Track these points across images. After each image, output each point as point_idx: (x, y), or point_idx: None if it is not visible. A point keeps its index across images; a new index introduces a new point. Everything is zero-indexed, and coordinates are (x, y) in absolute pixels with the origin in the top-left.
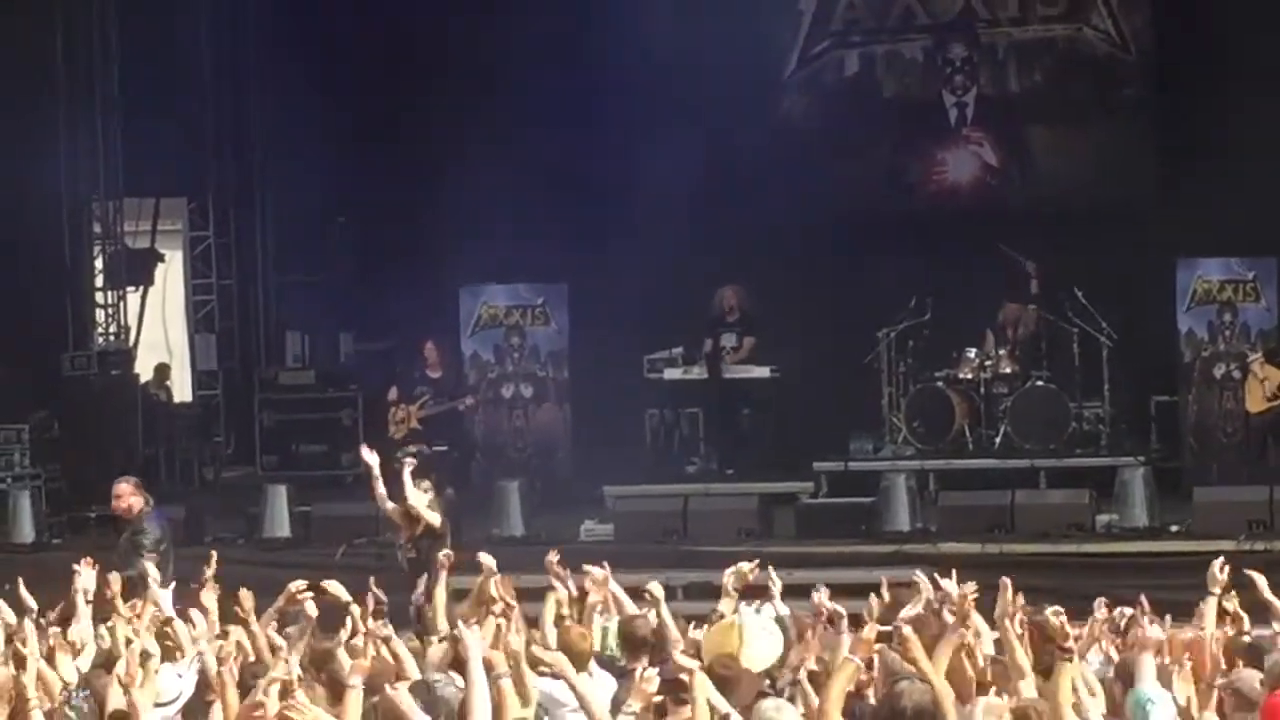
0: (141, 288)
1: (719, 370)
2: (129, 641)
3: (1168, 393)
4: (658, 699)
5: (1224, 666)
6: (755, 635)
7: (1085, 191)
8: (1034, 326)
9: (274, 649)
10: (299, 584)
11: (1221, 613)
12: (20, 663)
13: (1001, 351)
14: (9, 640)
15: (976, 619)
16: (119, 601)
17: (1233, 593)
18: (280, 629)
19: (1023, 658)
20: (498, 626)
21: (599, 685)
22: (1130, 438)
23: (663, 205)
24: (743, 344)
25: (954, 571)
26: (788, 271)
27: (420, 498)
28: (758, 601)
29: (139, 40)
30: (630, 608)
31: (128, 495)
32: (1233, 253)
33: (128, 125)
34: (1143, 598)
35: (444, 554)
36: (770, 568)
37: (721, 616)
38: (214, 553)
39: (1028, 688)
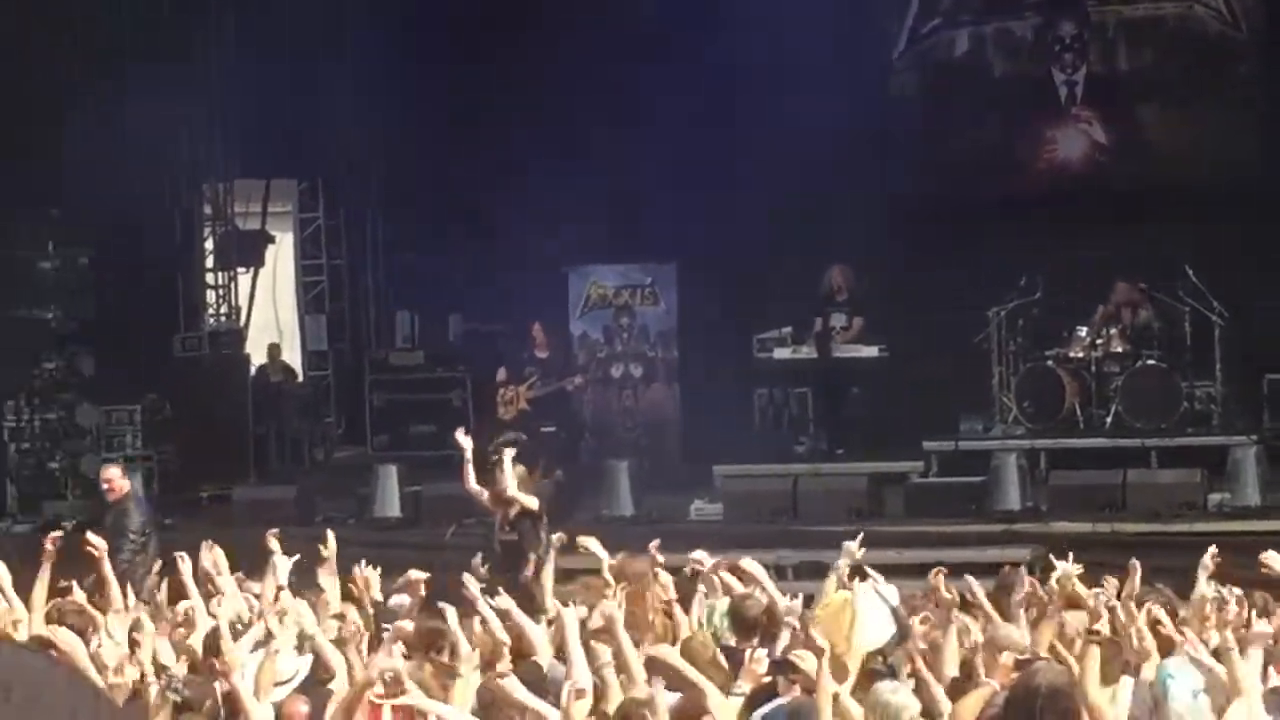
0: (252, 269)
1: (828, 350)
2: (241, 621)
3: None
4: (767, 679)
5: None
6: (868, 615)
7: (1195, 169)
8: (1145, 305)
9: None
10: (418, 574)
11: None
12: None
13: (1113, 330)
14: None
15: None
16: (225, 579)
17: None
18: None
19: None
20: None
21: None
22: (1242, 416)
23: (771, 185)
24: (852, 324)
25: (1069, 554)
26: (898, 250)
27: (513, 481)
28: (870, 580)
29: (249, 24)
30: (738, 588)
31: (116, 479)
32: None
33: (238, 108)
34: (1135, 562)
35: (556, 535)
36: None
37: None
38: (330, 533)
39: (1149, 669)
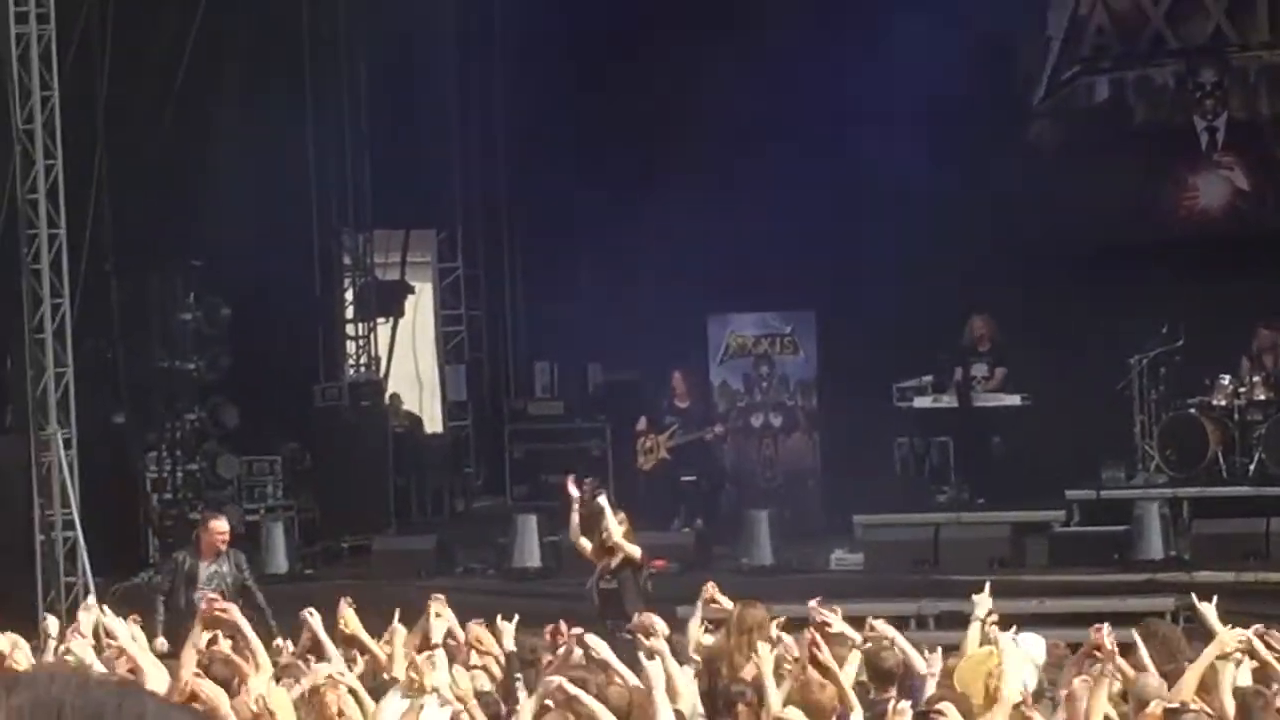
0: (391, 319)
1: (969, 398)
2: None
3: None
4: None
5: None
6: (1013, 668)
7: None
8: None
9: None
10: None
11: None
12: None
13: (1256, 378)
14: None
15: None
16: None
17: None
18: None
19: None
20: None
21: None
22: None
23: (911, 232)
24: (994, 374)
25: (1214, 598)
26: (1039, 299)
27: (617, 529)
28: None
29: (386, 74)
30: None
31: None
32: None
33: (376, 158)
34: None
35: (709, 585)
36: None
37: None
38: (345, 602)
39: None
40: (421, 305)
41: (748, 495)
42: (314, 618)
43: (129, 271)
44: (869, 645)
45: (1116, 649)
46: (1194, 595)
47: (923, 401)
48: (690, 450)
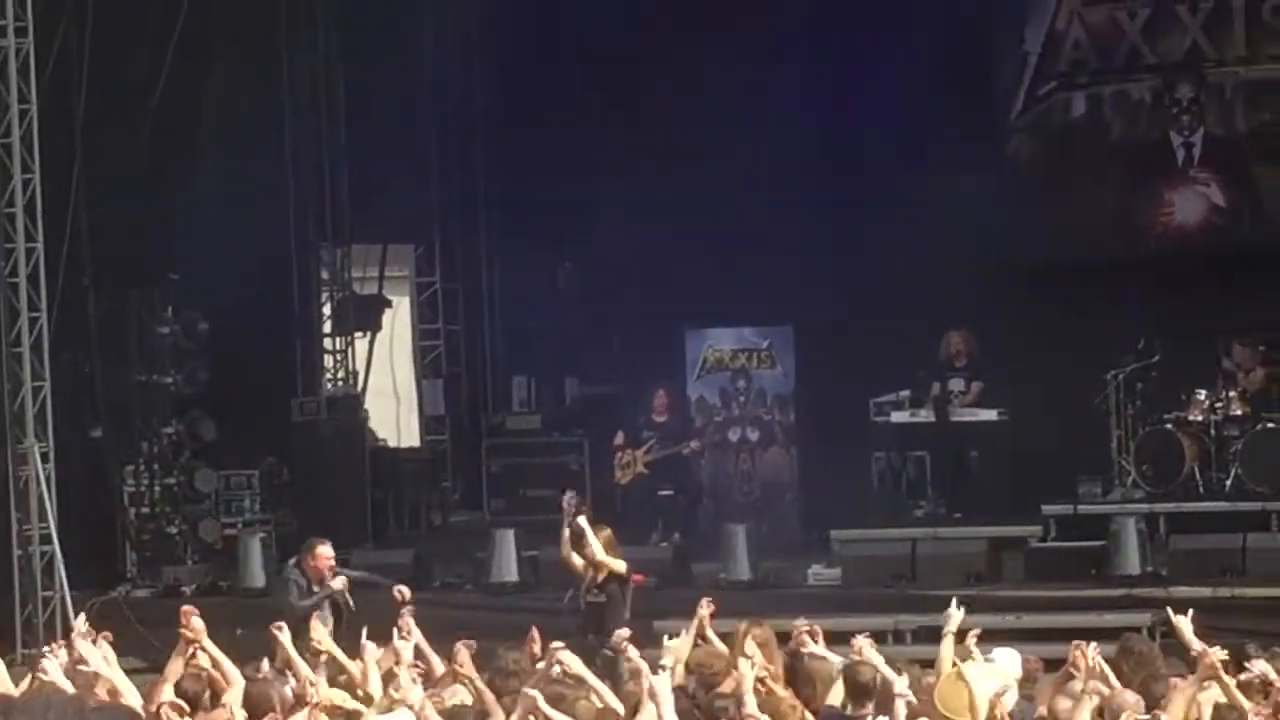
0: (369, 334)
1: (946, 413)
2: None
3: None
4: None
5: None
6: (987, 682)
7: None
8: (1264, 367)
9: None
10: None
11: None
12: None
13: (1232, 393)
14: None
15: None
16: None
17: None
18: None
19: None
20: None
21: None
22: None
23: (888, 247)
24: (970, 388)
25: (1189, 611)
26: (1015, 314)
27: (598, 547)
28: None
29: (364, 88)
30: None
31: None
32: None
33: (354, 173)
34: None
35: (707, 600)
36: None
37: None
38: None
39: None
40: (399, 319)
41: (725, 510)
42: (283, 633)
43: (107, 285)
44: (846, 661)
45: (1099, 665)
46: (1169, 609)
47: (900, 416)
48: (668, 465)
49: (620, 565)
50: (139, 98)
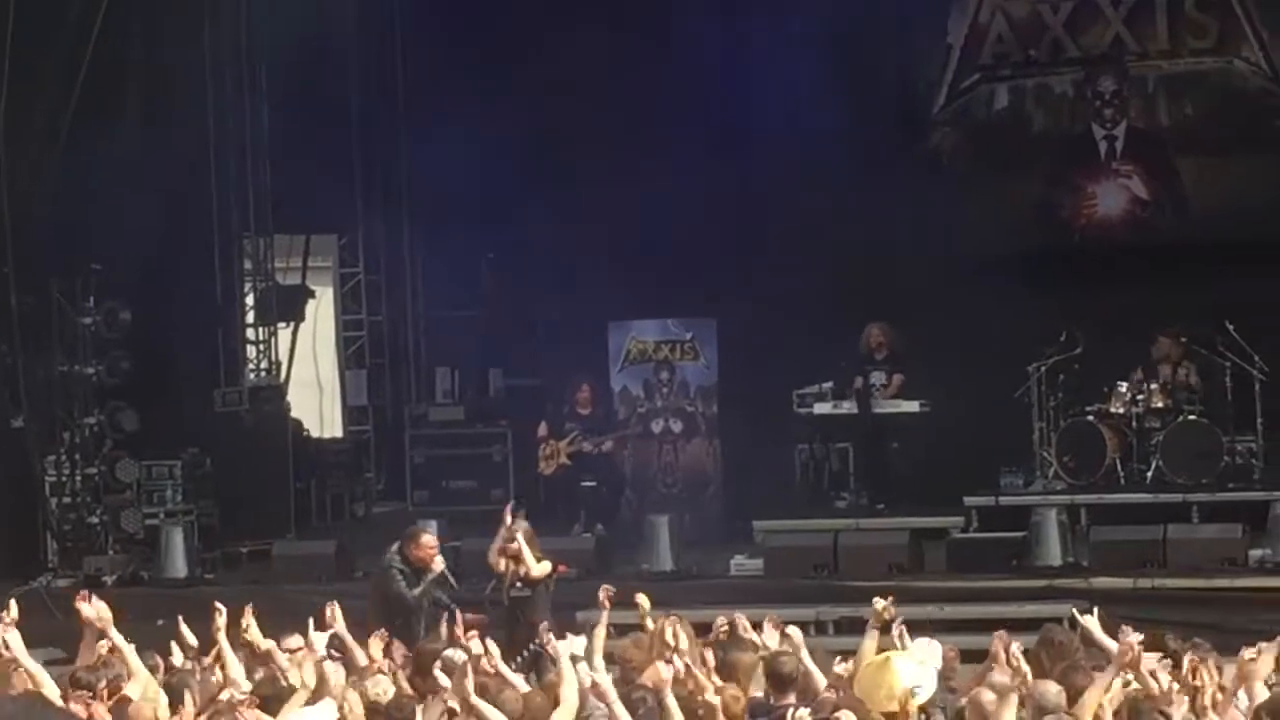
0: (292, 324)
1: (869, 405)
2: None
3: None
4: None
5: None
6: (908, 672)
7: (1236, 224)
8: (1186, 359)
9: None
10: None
11: None
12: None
13: (1154, 386)
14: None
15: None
16: (257, 639)
17: None
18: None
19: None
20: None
21: None
22: None
23: (811, 240)
24: (891, 381)
25: (1095, 609)
26: (938, 306)
27: (536, 566)
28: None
29: (287, 79)
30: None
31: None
32: None
33: (278, 163)
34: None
35: (605, 588)
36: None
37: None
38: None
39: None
40: (322, 310)
41: (648, 501)
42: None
43: (28, 276)
44: (767, 652)
45: (1019, 660)
46: (1074, 610)
47: (823, 408)
48: (590, 456)
49: (545, 568)
50: (61, 88)
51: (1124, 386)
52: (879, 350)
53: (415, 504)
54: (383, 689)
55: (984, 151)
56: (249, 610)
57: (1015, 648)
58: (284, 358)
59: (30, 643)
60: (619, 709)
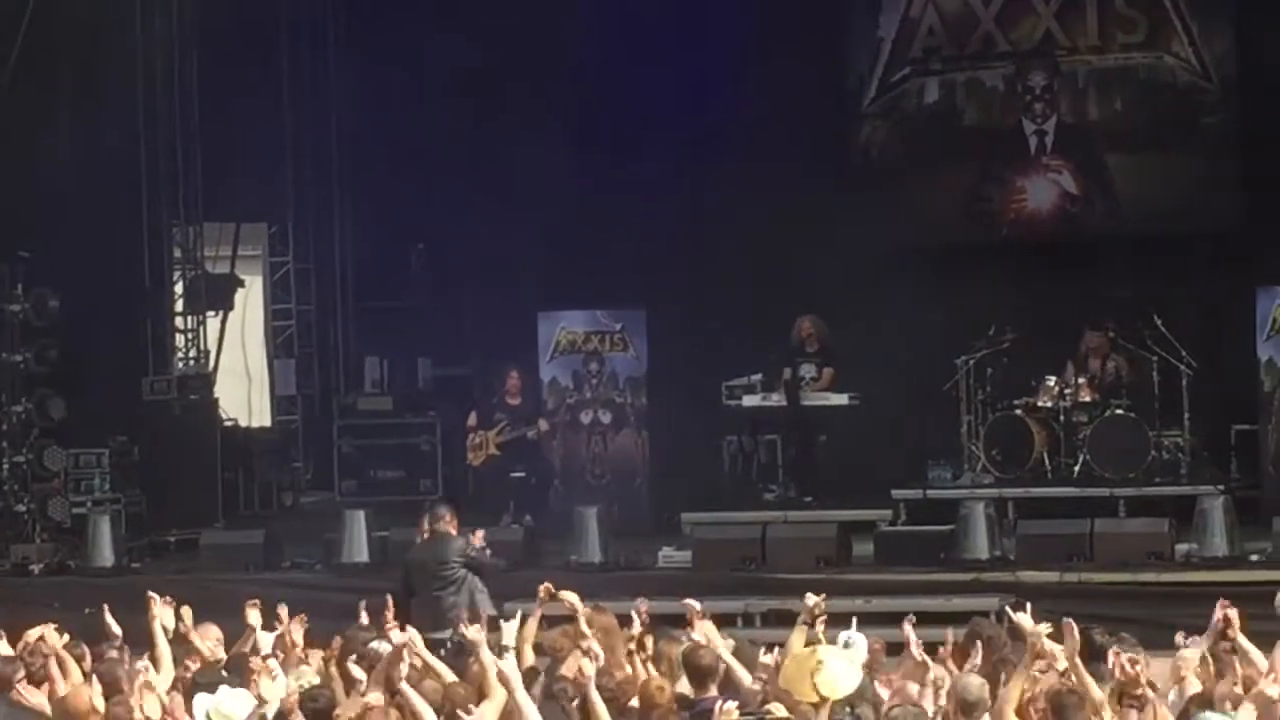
0: (221, 313)
1: (797, 397)
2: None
3: (1248, 421)
4: None
5: None
6: (834, 667)
7: (1165, 219)
8: (1114, 354)
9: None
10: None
11: None
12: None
13: (1081, 380)
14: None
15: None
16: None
17: None
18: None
19: (1097, 693)
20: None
21: None
22: (1210, 467)
23: (742, 232)
24: (822, 374)
25: (1028, 605)
26: (867, 299)
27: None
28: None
29: (217, 66)
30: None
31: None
32: None
33: (207, 151)
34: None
35: (544, 586)
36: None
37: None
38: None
39: None
40: (251, 299)
41: (576, 492)
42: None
43: None
44: (685, 646)
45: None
46: (1008, 608)
47: (751, 400)
48: (520, 446)
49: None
50: None
51: (1052, 381)
52: (809, 343)
53: (343, 494)
54: (307, 679)
55: (914, 145)
56: (184, 607)
57: (914, 638)
58: (213, 347)
59: None
60: (521, 696)
